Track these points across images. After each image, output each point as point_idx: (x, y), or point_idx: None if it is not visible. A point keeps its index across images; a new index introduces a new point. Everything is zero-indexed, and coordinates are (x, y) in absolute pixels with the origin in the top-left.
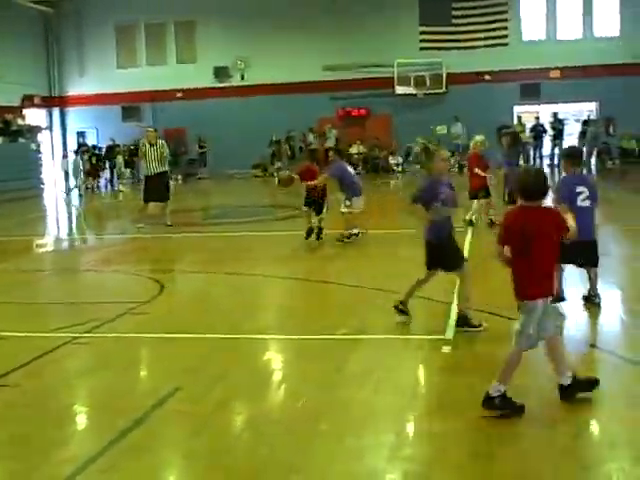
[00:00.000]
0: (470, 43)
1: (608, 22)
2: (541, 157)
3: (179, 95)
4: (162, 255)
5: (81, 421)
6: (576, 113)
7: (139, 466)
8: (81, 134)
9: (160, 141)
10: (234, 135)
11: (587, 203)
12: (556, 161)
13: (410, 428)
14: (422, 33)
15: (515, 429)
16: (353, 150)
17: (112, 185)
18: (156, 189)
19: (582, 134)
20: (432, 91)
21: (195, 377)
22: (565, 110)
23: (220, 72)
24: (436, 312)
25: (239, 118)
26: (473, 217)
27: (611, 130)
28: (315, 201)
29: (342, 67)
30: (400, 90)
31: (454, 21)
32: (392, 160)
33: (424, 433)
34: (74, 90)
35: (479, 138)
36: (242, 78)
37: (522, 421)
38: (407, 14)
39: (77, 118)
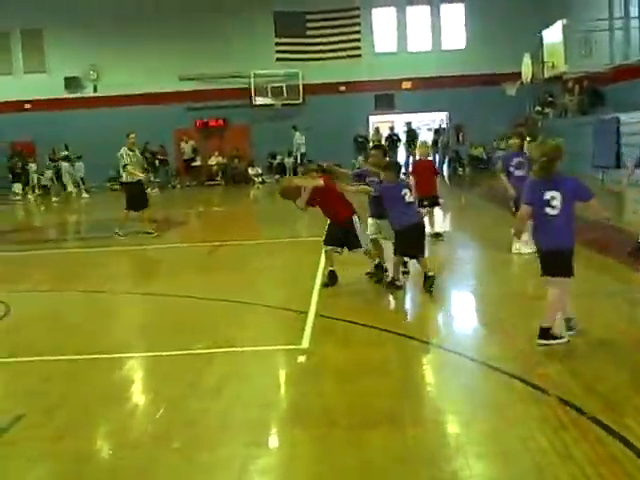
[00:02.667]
0: (324, 54)
1: (455, 36)
2: None
3: (28, 106)
4: (10, 274)
5: None
6: (428, 122)
7: None
8: None
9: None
10: (88, 148)
11: None
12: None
13: (264, 440)
14: (278, 44)
15: (363, 434)
16: (212, 161)
17: None
18: (139, 196)
19: (434, 142)
20: (290, 101)
21: (41, 401)
22: (418, 119)
23: (71, 83)
24: (293, 322)
25: (93, 130)
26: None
27: (460, 138)
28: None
29: (198, 77)
30: (258, 101)
31: (308, 33)
32: (251, 171)
33: (278, 444)
34: None
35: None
36: (95, 89)
37: (368, 426)
38: (263, 26)
39: None
